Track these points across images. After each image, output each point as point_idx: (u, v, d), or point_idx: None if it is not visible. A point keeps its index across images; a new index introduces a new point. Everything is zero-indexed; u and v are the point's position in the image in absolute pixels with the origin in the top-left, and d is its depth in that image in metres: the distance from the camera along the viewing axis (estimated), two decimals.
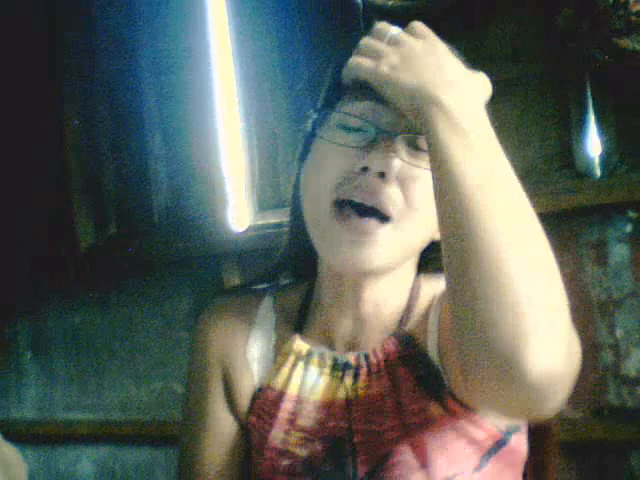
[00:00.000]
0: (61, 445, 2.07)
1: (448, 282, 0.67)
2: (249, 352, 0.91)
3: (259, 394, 0.89)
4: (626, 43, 1.31)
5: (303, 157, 0.83)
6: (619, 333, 1.41)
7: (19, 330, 2.13)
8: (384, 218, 0.76)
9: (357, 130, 0.78)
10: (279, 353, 0.89)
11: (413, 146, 0.77)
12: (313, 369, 0.86)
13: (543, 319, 0.61)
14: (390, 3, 1.47)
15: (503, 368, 0.60)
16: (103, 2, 1.96)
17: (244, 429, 0.92)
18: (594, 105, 1.44)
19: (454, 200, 0.66)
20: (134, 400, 1.95)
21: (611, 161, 1.43)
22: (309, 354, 0.87)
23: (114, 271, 1.95)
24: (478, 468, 0.82)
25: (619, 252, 1.42)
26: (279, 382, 0.87)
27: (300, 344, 0.87)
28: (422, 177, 0.76)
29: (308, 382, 0.86)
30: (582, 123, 1.45)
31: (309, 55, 1.71)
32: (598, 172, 1.44)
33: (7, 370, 2.15)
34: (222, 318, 0.93)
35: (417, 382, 0.81)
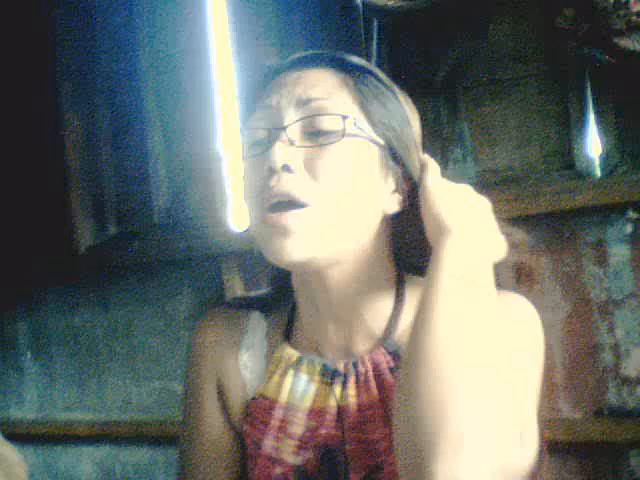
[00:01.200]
0: (61, 445, 2.07)
1: (399, 379, 0.70)
2: (241, 361, 0.92)
3: (252, 402, 0.90)
4: (627, 43, 1.31)
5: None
6: (619, 333, 1.41)
7: (19, 330, 2.13)
8: (300, 206, 0.77)
9: (262, 139, 0.81)
10: (270, 361, 0.90)
11: (309, 132, 0.79)
12: (303, 376, 0.87)
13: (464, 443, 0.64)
14: (390, 3, 1.47)
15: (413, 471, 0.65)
16: (103, 2, 1.96)
17: (240, 437, 0.93)
18: (594, 105, 1.44)
19: (428, 334, 0.69)
20: (134, 400, 1.95)
21: (611, 161, 1.43)
22: (299, 361, 0.87)
23: (114, 271, 1.95)
24: None
25: (619, 252, 1.42)
26: (271, 390, 0.88)
27: (290, 351, 0.88)
28: (326, 154, 0.78)
29: (298, 389, 0.87)
30: (582, 123, 1.45)
31: None
32: (598, 172, 1.44)
33: (7, 370, 2.15)
34: (214, 329, 0.95)
35: None
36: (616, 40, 1.31)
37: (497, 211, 1.48)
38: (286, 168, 0.77)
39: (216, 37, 1.84)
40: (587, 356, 1.42)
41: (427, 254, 0.79)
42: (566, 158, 1.47)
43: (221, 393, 0.94)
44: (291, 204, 0.77)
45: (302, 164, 0.78)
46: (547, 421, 1.42)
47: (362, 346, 0.86)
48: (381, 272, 0.85)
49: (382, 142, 0.82)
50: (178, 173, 1.88)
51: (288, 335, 0.91)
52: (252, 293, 0.99)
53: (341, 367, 0.85)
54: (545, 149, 1.49)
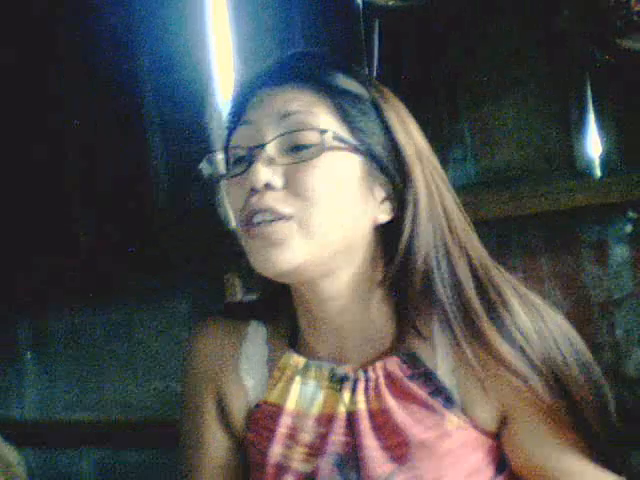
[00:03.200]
0: (61, 445, 2.06)
1: None
2: (241, 368, 0.91)
3: (255, 410, 0.89)
4: (627, 43, 1.31)
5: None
6: (619, 333, 1.41)
7: (19, 330, 2.13)
8: (283, 219, 0.78)
9: (243, 157, 0.82)
10: (275, 368, 0.89)
11: (289, 147, 0.79)
12: (311, 382, 0.86)
13: None
14: (390, 3, 1.47)
15: None
16: (103, 2, 1.96)
17: (241, 446, 0.92)
18: (594, 105, 1.44)
19: None
20: (134, 400, 1.95)
21: (611, 161, 1.43)
22: (306, 367, 0.87)
23: (114, 272, 1.95)
24: (493, 478, 0.82)
25: (619, 252, 1.42)
26: (276, 397, 0.87)
27: (295, 358, 0.87)
28: (307, 169, 0.78)
29: (306, 396, 0.86)
30: (582, 123, 1.45)
31: None
32: (598, 172, 1.44)
33: (7, 370, 2.15)
34: (210, 336, 0.94)
35: (430, 397, 0.80)
36: (616, 40, 1.31)
37: (497, 211, 1.48)
38: (268, 186, 0.78)
39: (216, 37, 1.84)
40: None
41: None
42: (566, 158, 1.47)
43: (220, 402, 0.93)
44: (275, 218, 0.78)
45: (283, 180, 0.78)
46: None
47: (364, 352, 0.85)
48: (377, 280, 0.85)
49: (365, 153, 0.81)
50: (178, 173, 1.88)
51: (293, 341, 0.90)
52: (247, 299, 0.99)
53: (350, 372, 0.84)
54: (545, 149, 1.49)
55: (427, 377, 0.81)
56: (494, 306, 0.79)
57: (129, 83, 1.93)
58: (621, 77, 1.39)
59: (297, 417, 0.85)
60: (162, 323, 1.90)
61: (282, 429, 0.86)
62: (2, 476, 1.22)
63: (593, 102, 1.44)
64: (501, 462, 0.84)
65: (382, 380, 0.82)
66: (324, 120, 0.80)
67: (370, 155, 0.81)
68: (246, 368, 0.91)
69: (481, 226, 1.51)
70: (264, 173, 0.77)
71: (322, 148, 0.78)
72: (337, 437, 0.83)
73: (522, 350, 0.77)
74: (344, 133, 0.80)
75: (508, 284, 0.82)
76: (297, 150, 0.79)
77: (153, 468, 1.94)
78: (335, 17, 1.66)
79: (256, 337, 0.92)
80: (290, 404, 0.86)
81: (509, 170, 1.52)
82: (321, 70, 0.83)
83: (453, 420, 0.80)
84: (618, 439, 0.83)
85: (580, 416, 0.79)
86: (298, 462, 0.85)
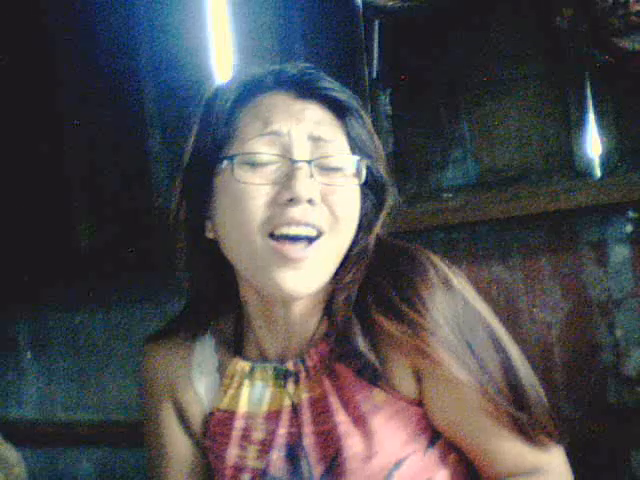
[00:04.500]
0: (61, 445, 2.07)
1: None
2: (194, 378, 0.95)
3: (210, 418, 0.93)
4: (626, 43, 1.31)
5: (204, 197, 0.86)
6: (619, 333, 1.41)
7: (19, 330, 2.13)
8: (315, 238, 0.81)
9: (265, 164, 0.82)
10: (224, 376, 0.92)
11: (324, 167, 0.83)
12: (258, 383, 0.90)
13: None
14: (390, 4, 1.47)
15: None
16: (103, 2, 1.96)
17: (204, 450, 0.96)
18: (594, 105, 1.44)
19: None
20: (134, 400, 1.95)
21: (611, 161, 1.43)
22: (252, 371, 0.90)
23: (114, 271, 1.95)
24: (431, 445, 0.86)
25: (619, 252, 1.42)
26: (227, 403, 0.91)
27: (241, 364, 0.91)
28: (339, 191, 0.83)
29: (255, 397, 0.90)
30: (582, 123, 1.45)
31: (309, 55, 1.71)
32: (598, 172, 1.44)
33: (7, 370, 2.15)
34: (162, 351, 0.98)
35: (356, 374, 0.84)
36: (615, 40, 1.31)
37: (497, 211, 1.48)
38: (311, 201, 0.80)
39: (216, 37, 1.84)
40: (587, 356, 1.42)
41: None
42: (566, 158, 1.47)
43: (179, 411, 0.96)
44: (308, 237, 0.81)
45: (320, 197, 0.82)
46: None
47: (303, 343, 0.89)
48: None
49: (362, 179, 0.87)
50: (178, 173, 1.88)
51: (238, 348, 0.94)
52: (184, 313, 1.00)
53: (291, 367, 0.88)
54: (545, 149, 1.49)
55: (354, 356, 0.84)
56: (404, 288, 0.83)
57: (129, 83, 1.93)
58: (621, 77, 1.39)
59: (248, 418, 0.89)
60: (162, 323, 1.90)
61: (236, 432, 0.90)
62: (2, 476, 1.22)
63: (593, 102, 1.44)
64: (435, 432, 0.87)
65: (319, 366, 0.86)
66: (345, 149, 0.86)
67: (365, 177, 0.87)
68: (199, 377, 0.95)
69: (481, 226, 1.53)
70: (311, 187, 0.80)
71: (349, 176, 0.85)
72: (285, 430, 0.87)
73: (429, 327, 0.81)
74: (357, 162, 0.86)
75: (425, 266, 0.85)
76: (328, 171, 0.83)
77: None
78: (335, 17, 1.66)
79: (204, 347, 0.96)
80: (241, 408, 0.90)
81: (509, 170, 1.52)
82: (335, 92, 0.87)
83: (381, 394, 0.84)
84: (546, 414, 0.85)
85: (489, 389, 0.81)
86: (252, 460, 0.89)
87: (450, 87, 1.56)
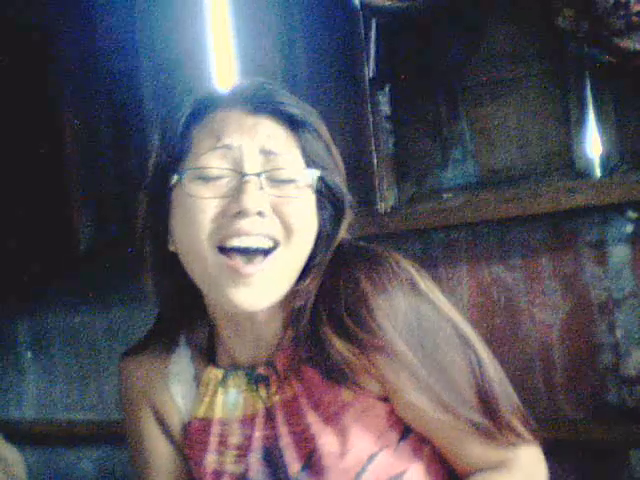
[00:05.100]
0: (61, 445, 2.07)
1: None
2: (172, 388, 0.96)
3: (188, 427, 0.95)
4: (627, 43, 1.31)
5: (163, 211, 0.88)
6: (619, 333, 1.41)
7: (19, 330, 2.13)
8: (268, 251, 0.82)
9: (216, 178, 0.84)
10: (200, 384, 0.94)
11: (276, 180, 0.84)
12: (231, 390, 0.92)
13: None
14: (388, 4, 1.47)
15: None
16: (103, 2, 1.96)
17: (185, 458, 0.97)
18: (594, 105, 1.44)
19: None
20: None
21: (611, 161, 1.43)
22: (225, 378, 0.92)
23: (114, 271, 1.95)
24: (403, 438, 0.88)
25: (619, 252, 1.42)
26: (203, 411, 0.93)
27: (215, 372, 0.93)
28: (291, 202, 0.84)
29: (230, 403, 0.92)
30: (582, 123, 1.45)
31: (309, 55, 1.71)
32: (598, 172, 1.44)
33: (7, 370, 2.15)
34: (138, 364, 0.99)
35: (324, 375, 0.85)
36: (616, 40, 1.31)
37: (497, 211, 1.48)
38: (260, 213, 0.81)
39: (216, 37, 1.84)
40: (587, 356, 1.42)
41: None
42: (566, 158, 1.47)
43: (160, 421, 0.97)
44: (263, 249, 0.82)
45: (270, 210, 0.83)
46: (547, 421, 1.42)
47: (271, 347, 0.90)
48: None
49: (316, 189, 0.88)
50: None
51: (211, 357, 0.95)
52: (155, 328, 1.01)
53: (262, 371, 0.89)
54: (545, 149, 1.49)
55: (320, 356, 0.85)
56: (355, 300, 0.83)
57: (129, 83, 1.93)
58: (621, 77, 1.39)
59: (224, 424, 0.91)
60: None
61: (213, 438, 0.91)
62: (2, 476, 1.22)
63: (593, 102, 1.44)
64: (407, 426, 0.88)
65: (288, 370, 0.88)
66: (297, 161, 0.86)
67: (320, 189, 0.88)
68: (176, 387, 0.96)
69: (481, 226, 1.53)
70: (260, 200, 0.81)
71: (301, 187, 0.85)
72: (260, 433, 0.89)
73: (391, 329, 0.81)
74: (310, 174, 0.86)
75: (382, 270, 0.85)
76: (278, 183, 0.84)
77: None
78: (335, 17, 1.66)
79: (180, 358, 0.97)
80: (217, 414, 0.92)
81: (509, 170, 1.52)
82: (289, 107, 0.87)
83: (349, 393, 0.85)
84: (516, 414, 0.86)
85: (448, 402, 0.82)
86: (231, 464, 0.90)
87: (450, 87, 1.56)
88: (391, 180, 1.61)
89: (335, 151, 0.91)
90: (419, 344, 0.82)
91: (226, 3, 1.82)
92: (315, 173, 0.86)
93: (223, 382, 0.92)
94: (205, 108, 0.88)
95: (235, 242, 0.81)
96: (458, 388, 0.83)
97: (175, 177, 0.85)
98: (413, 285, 0.84)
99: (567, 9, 1.34)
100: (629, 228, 1.42)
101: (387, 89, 1.62)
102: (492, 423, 0.83)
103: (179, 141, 0.87)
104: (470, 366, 0.84)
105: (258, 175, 0.82)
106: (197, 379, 0.95)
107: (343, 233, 0.91)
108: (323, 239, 0.89)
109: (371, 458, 0.85)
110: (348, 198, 0.91)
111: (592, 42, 1.34)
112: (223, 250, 0.81)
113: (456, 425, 0.83)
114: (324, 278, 0.87)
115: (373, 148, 1.61)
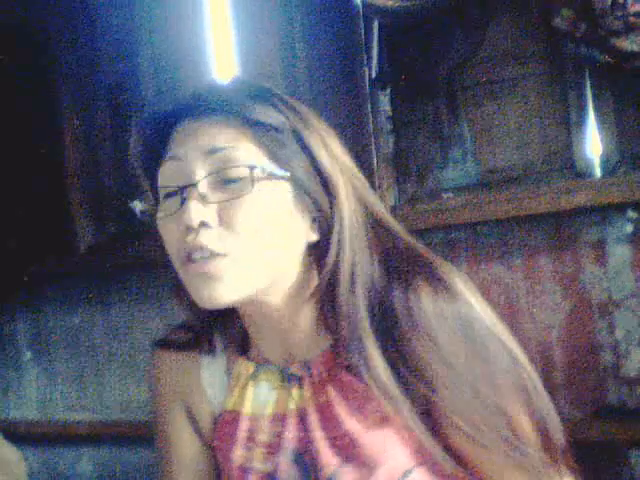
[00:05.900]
0: (61, 445, 2.07)
1: None
2: (203, 379, 0.95)
3: (218, 418, 0.94)
4: (625, 44, 1.31)
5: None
6: (619, 333, 1.41)
7: (19, 330, 2.13)
8: (225, 254, 0.80)
9: (172, 195, 0.84)
10: (231, 376, 0.93)
11: (219, 181, 0.81)
12: (263, 384, 0.91)
13: None
14: (390, 4, 1.47)
15: None
16: (103, 2, 1.96)
17: (213, 453, 0.96)
18: (594, 105, 1.44)
19: None
20: (134, 400, 1.95)
21: (611, 161, 1.43)
22: (256, 371, 0.91)
23: (114, 271, 1.95)
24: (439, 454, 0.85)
25: (619, 252, 1.42)
26: (234, 403, 0.92)
27: (247, 364, 0.92)
28: (240, 205, 0.80)
29: (260, 398, 0.90)
30: (582, 123, 1.45)
31: (309, 56, 1.71)
32: (598, 172, 1.44)
33: (7, 370, 2.15)
34: (171, 355, 0.98)
35: (365, 386, 0.83)
36: (613, 41, 1.31)
37: (497, 211, 1.48)
38: (204, 225, 0.80)
39: (216, 37, 1.84)
40: (587, 356, 1.42)
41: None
42: (566, 158, 1.47)
43: (189, 413, 0.96)
44: (211, 256, 0.80)
45: (217, 218, 0.80)
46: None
47: (308, 349, 0.88)
48: (311, 289, 0.87)
49: (290, 181, 0.83)
50: None
51: (244, 349, 0.94)
52: (193, 319, 1.01)
53: (295, 370, 0.88)
54: (545, 149, 1.49)
55: (364, 370, 0.83)
56: (405, 331, 0.81)
57: (129, 83, 1.93)
58: (621, 77, 1.39)
59: (254, 419, 0.90)
60: (162, 323, 1.90)
61: (242, 433, 0.90)
62: (2, 475, 1.22)
63: (593, 102, 1.44)
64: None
65: (324, 375, 0.86)
66: (249, 154, 0.82)
67: (295, 183, 0.83)
68: (207, 378, 0.95)
69: (481, 226, 1.53)
70: (199, 212, 0.79)
71: (251, 183, 0.80)
72: (291, 434, 0.87)
73: (436, 348, 0.80)
74: (269, 165, 0.82)
75: (441, 290, 0.82)
76: (227, 185, 0.81)
77: (152, 468, 1.94)
78: (335, 17, 1.66)
79: (212, 349, 0.96)
80: (246, 408, 0.90)
81: (509, 170, 1.52)
82: (241, 103, 0.84)
83: (391, 408, 0.83)
84: (563, 444, 0.85)
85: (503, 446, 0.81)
86: (259, 462, 0.88)
87: (450, 87, 1.56)
88: (391, 180, 1.61)
89: (323, 142, 0.86)
90: (476, 389, 0.80)
91: (226, 3, 1.82)
92: (269, 164, 0.81)
93: (254, 375, 0.91)
94: (166, 125, 0.88)
95: (196, 255, 0.80)
96: (515, 424, 0.81)
97: (138, 203, 0.89)
98: (471, 309, 0.82)
99: (565, 9, 1.35)
100: (629, 228, 1.42)
101: (388, 89, 1.63)
102: (546, 456, 0.82)
103: (150, 157, 0.91)
104: (529, 404, 0.83)
105: (194, 185, 0.80)
106: (229, 371, 0.94)
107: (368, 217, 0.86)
108: (322, 224, 0.85)
109: (405, 475, 0.83)
110: (332, 180, 0.85)
111: (590, 43, 1.34)
112: (191, 260, 0.81)
113: (506, 460, 0.81)
114: (373, 284, 0.83)
115: (373, 148, 1.61)
